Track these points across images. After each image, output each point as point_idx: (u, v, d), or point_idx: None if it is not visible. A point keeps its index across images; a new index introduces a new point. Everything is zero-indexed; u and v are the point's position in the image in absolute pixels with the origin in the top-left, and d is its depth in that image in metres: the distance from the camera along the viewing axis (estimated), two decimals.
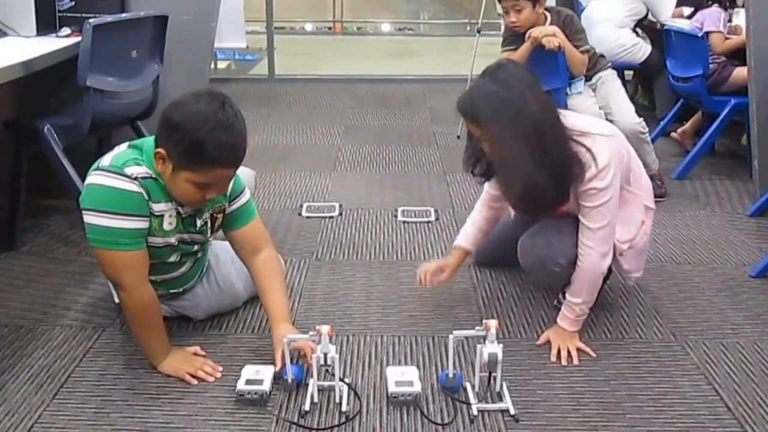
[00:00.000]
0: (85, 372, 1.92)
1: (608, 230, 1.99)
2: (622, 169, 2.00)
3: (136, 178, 1.74)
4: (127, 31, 2.66)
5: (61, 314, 2.22)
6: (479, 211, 2.35)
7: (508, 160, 1.88)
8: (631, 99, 3.56)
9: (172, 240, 1.87)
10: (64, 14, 2.84)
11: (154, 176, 1.77)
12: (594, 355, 2.03)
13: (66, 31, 2.75)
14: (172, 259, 1.94)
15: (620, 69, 4.46)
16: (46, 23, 2.74)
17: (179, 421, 1.72)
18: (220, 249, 2.20)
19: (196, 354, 1.96)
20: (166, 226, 1.83)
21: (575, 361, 1.99)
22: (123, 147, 1.84)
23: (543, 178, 1.86)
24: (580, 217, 2.01)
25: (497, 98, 1.84)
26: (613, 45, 4.28)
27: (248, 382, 1.79)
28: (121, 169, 1.74)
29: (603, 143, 1.95)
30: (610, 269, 2.32)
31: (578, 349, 2.04)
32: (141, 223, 1.76)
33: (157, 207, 1.79)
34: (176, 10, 2.94)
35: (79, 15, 2.81)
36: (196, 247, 1.98)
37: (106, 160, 1.79)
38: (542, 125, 1.86)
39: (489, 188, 2.29)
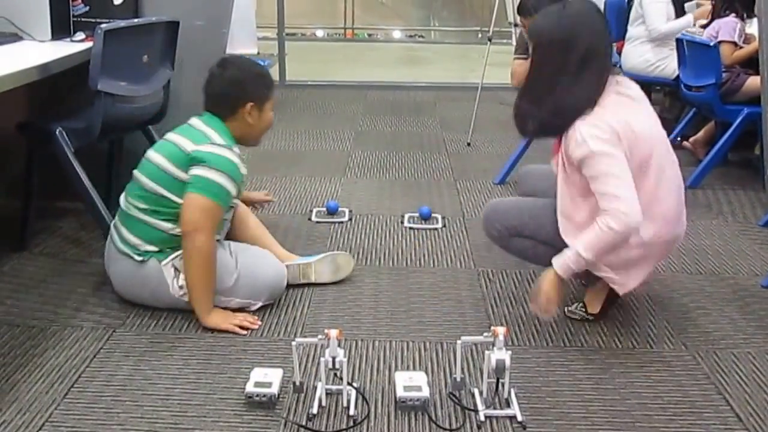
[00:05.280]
0: (95, 372, 1.93)
1: (617, 192, 1.92)
2: (630, 154, 1.96)
3: (239, 156, 2.19)
4: (138, 36, 2.68)
5: (73, 315, 2.23)
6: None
7: (541, 76, 2.04)
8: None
9: None
10: (79, 19, 2.86)
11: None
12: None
13: (80, 35, 2.77)
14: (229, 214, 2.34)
15: (652, 85, 4.49)
16: (61, 28, 2.76)
17: (188, 422, 1.73)
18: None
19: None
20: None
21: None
22: (208, 126, 2.20)
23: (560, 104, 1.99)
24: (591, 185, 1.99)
25: (555, 20, 2.00)
26: (638, 60, 4.35)
27: (257, 384, 1.79)
28: (232, 147, 2.19)
29: (613, 117, 1.96)
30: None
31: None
32: (235, 192, 2.18)
33: (244, 170, 2.22)
34: (189, 17, 2.96)
35: (93, 20, 2.83)
36: None
37: (216, 137, 2.17)
38: (586, 56, 1.97)
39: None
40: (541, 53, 2.03)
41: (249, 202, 2.84)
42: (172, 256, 2.18)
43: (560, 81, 1.99)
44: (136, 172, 2.24)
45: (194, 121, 2.26)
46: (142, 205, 2.18)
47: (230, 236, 2.39)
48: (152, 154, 2.23)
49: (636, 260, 2.06)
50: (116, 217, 2.29)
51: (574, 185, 2.06)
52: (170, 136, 2.25)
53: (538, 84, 2.05)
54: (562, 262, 2.00)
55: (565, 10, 2.00)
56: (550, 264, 2.20)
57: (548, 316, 2.11)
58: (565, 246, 2.05)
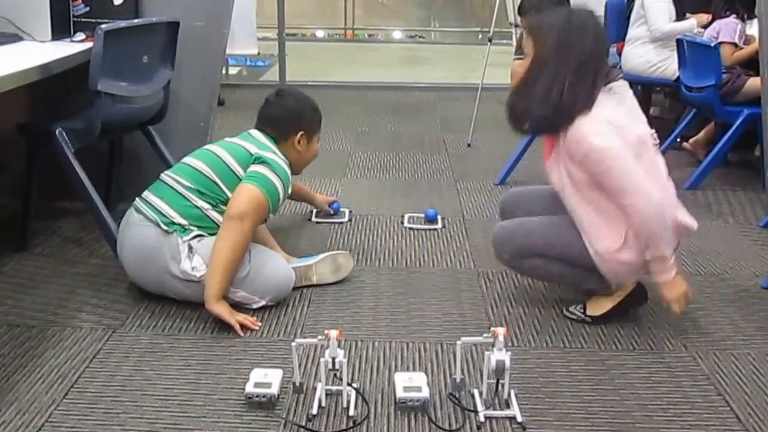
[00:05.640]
0: (95, 373, 1.93)
1: (633, 183, 1.98)
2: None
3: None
4: (138, 36, 2.68)
5: (73, 315, 2.23)
6: None
7: (543, 74, 2.06)
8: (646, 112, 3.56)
9: None
10: (79, 19, 2.86)
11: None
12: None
13: (80, 36, 2.77)
14: None
15: (652, 86, 4.51)
16: (61, 28, 2.76)
17: (188, 423, 1.73)
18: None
19: None
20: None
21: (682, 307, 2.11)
22: (269, 141, 2.38)
23: (556, 101, 2.02)
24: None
25: (564, 22, 2.06)
26: (639, 61, 4.34)
27: (257, 385, 1.79)
28: (287, 163, 2.36)
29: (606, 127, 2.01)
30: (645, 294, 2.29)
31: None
32: (281, 202, 2.30)
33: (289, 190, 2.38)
34: (189, 17, 2.96)
35: (93, 20, 2.83)
36: None
37: (277, 150, 2.36)
38: (588, 59, 2.04)
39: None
40: (546, 53, 2.06)
41: (313, 202, 3.09)
42: (193, 234, 2.22)
43: (562, 81, 2.02)
44: (187, 158, 2.37)
45: (254, 132, 2.43)
46: (188, 183, 2.28)
47: None
48: (213, 148, 2.37)
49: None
50: (148, 190, 2.35)
51: (589, 196, 2.08)
52: (232, 139, 2.40)
53: (539, 82, 2.07)
54: (659, 273, 2.06)
55: (573, 16, 2.08)
56: (564, 281, 2.29)
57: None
58: (578, 260, 2.11)
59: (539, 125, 2.13)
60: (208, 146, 2.40)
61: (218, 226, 2.22)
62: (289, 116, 2.43)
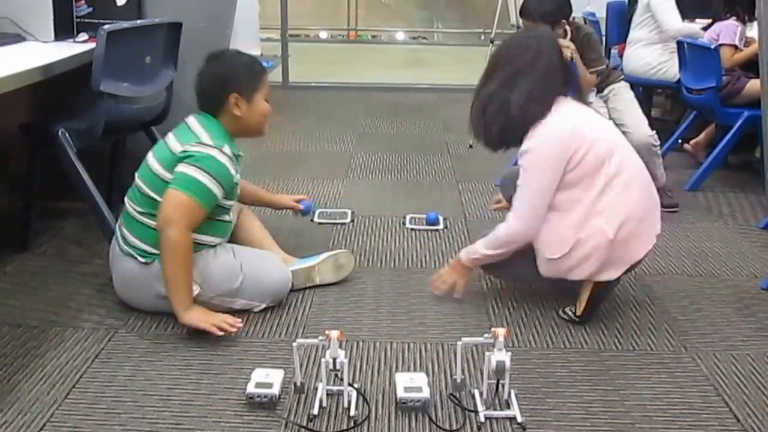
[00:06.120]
0: (96, 373, 1.94)
1: (525, 205, 2.15)
2: (568, 165, 2.10)
3: (230, 157, 2.15)
4: (141, 37, 2.69)
5: (74, 316, 2.24)
6: None
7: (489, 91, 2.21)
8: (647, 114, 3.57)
9: (233, 202, 2.27)
10: (82, 20, 2.87)
11: (232, 150, 2.19)
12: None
13: (83, 36, 2.78)
14: (230, 216, 2.30)
15: (653, 88, 4.54)
16: (64, 29, 2.78)
17: (189, 423, 1.74)
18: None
19: None
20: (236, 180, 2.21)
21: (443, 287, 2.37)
22: (201, 125, 2.18)
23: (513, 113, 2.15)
24: None
25: (520, 43, 2.23)
26: (639, 63, 4.34)
27: (258, 385, 1.80)
28: (221, 147, 2.14)
29: (550, 131, 2.12)
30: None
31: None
32: (221, 193, 2.13)
33: (234, 172, 2.18)
34: (192, 18, 2.97)
35: (96, 21, 2.84)
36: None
37: (205, 137, 2.15)
38: (527, 73, 2.15)
39: None
40: (503, 66, 2.19)
41: (276, 207, 2.79)
42: None
43: (513, 96, 2.13)
44: (136, 174, 2.24)
45: (190, 119, 2.24)
46: (140, 208, 2.18)
47: (231, 238, 2.39)
48: (148, 156, 2.23)
49: (606, 260, 2.13)
50: (120, 218, 2.29)
51: None
52: (167, 136, 2.24)
53: (489, 99, 2.19)
54: (464, 251, 2.32)
55: (529, 35, 2.29)
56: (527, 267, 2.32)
57: (438, 292, 2.39)
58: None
59: (502, 141, 2.24)
60: (149, 153, 2.25)
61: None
62: (217, 82, 2.19)
